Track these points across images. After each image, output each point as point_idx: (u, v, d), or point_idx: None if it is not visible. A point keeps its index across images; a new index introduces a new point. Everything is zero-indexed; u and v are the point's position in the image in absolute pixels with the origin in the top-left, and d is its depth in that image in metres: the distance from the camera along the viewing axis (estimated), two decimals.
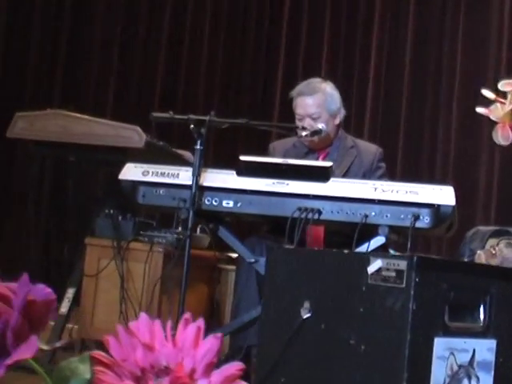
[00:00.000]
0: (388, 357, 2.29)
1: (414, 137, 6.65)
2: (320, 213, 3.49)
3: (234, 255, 4.85)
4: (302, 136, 3.95)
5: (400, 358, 2.26)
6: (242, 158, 3.62)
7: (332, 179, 3.53)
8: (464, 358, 2.41)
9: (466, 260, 4.13)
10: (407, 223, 3.43)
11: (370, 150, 4.17)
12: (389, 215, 3.45)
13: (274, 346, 2.49)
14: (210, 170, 3.62)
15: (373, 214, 3.46)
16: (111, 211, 4.01)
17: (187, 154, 4.48)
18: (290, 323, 2.43)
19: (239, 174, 3.61)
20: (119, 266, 3.93)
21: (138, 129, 3.85)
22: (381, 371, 2.30)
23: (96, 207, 4.08)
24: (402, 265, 2.27)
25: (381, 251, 3.52)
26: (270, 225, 4.20)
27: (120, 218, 4.02)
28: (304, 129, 3.96)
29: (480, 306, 2.50)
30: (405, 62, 6.71)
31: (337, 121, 4.13)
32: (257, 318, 3.73)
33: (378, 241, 3.58)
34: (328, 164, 3.54)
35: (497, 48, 6.52)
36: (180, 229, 4.13)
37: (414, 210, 3.42)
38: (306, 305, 2.43)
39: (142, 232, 4.06)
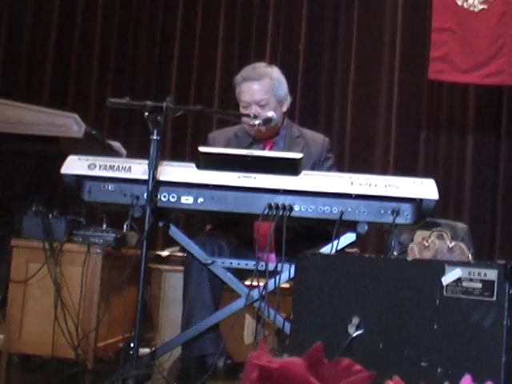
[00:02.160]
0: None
1: (311, 114, 6.61)
2: (292, 209, 3.20)
3: (164, 253, 4.50)
4: (254, 125, 3.63)
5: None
6: (202, 149, 3.27)
7: (304, 172, 3.24)
8: None
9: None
10: (387, 219, 3.19)
11: (317, 139, 3.91)
12: (367, 211, 3.20)
13: None
14: (166, 163, 3.26)
15: (349, 209, 3.21)
16: (39, 208, 3.56)
17: (116, 144, 4.08)
18: (332, 342, 2.12)
19: (199, 167, 3.26)
20: (52, 271, 3.49)
21: (77, 117, 3.43)
22: None
23: (22, 204, 3.61)
24: (491, 274, 1.99)
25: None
26: (213, 222, 3.88)
27: (50, 216, 3.57)
28: (255, 117, 3.64)
29: None
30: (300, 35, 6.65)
31: (284, 108, 3.84)
32: (213, 326, 3.43)
33: (348, 238, 3.34)
34: (298, 156, 3.24)
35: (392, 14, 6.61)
36: (105, 226, 3.76)
37: (394, 204, 3.19)
38: (355, 321, 2.13)
39: (74, 232, 3.64)
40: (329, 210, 3.20)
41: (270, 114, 3.71)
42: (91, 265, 3.56)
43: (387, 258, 2.36)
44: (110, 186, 3.24)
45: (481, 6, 5.93)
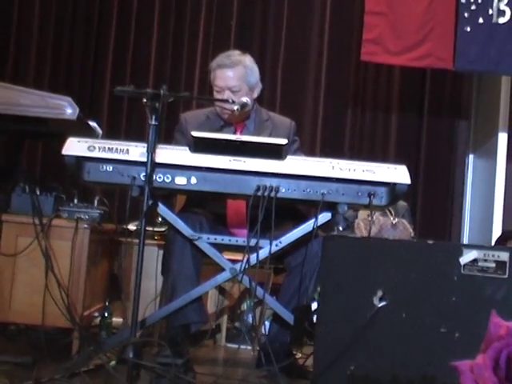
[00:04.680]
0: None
1: None
2: (278, 191, 3.49)
3: (133, 227, 4.70)
4: (233, 110, 3.88)
5: None
6: (194, 133, 3.51)
7: (289, 157, 3.53)
8: None
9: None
10: (364, 201, 3.52)
11: (284, 123, 4.19)
12: (346, 193, 3.52)
13: (338, 335, 2.49)
14: (161, 146, 3.48)
15: (330, 192, 3.51)
16: (27, 186, 3.74)
17: (93, 125, 4.26)
18: (359, 313, 2.44)
19: (192, 150, 3.50)
20: (42, 244, 3.68)
21: (70, 100, 3.61)
22: None
23: (10, 182, 3.77)
24: (504, 256, 2.36)
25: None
26: (187, 199, 4.11)
27: (38, 192, 3.75)
28: (233, 103, 3.90)
29: None
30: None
31: (255, 94, 4.10)
32: (198, 297, 3.69)
33: (324, 217, 3.65)
34: (283, 141, 3.52)
35: None
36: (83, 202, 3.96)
37: (371, 188, 3.52)
38: (380, 293, 2.45)
39: (60, 208, 3.83)
40: (312, 191, 3.51)
41: (245, 99, 3.96)
42: (79, 239, 3.75)
43: (410, 242, 2.70)
44: (109, 167, 3.44)
45: None
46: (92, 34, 6.79)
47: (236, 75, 4.00)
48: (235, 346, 4.53)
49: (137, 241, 4.48)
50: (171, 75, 6.86)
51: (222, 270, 3.67)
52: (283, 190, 3.49)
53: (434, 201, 6.89)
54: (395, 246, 2.62)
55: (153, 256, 3.99)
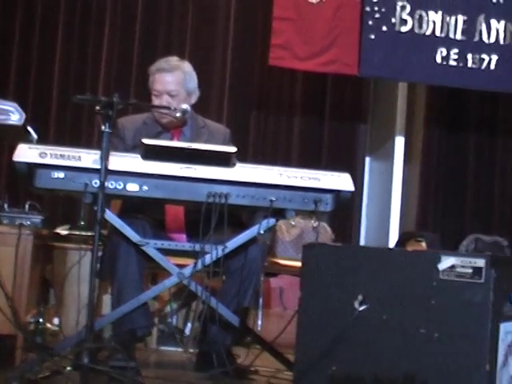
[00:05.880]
0: (468, 343, 2.57)
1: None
2: (228, 198, 3.57)
3: (64, 232, 4.68)
4: (176, 117, 3.94)
5: (482, 345, 2.56)
6: (145, 141, 3.55)
7: (238, 164, 3.62)
8: (510, 338, 2.75)
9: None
10: (310, 207, 3.65)
11: (219, 130, 4.27)
12: (293, 200, 3.64)
13: (319, 338, 2.61)
14: (113, 153, 3.50)
15: (278, 198, 3.62)
16: None
17: (29, 129, 4.22)
18: (340, 316, 2.56)
19: (144, 157, 3.54)
20: None
21: (17, 105, 3.57)
22: (460, 356, 2.58)
23: None
24: (480, 262, 2.55)
25: None
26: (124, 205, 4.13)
27: None
28: (175, 110, 3.94)
29: None
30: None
31: (192, 100, 4.16)
32: (145, 303, 3.72)
33: (269, 222, 3.75)
34: (232, 149, 3.60)
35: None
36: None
37: (316, 195, 3.65)
38: (360, 297, 2.59)
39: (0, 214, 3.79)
40: (260, 198, 3.61)
41: (185, 106, 4.01)
42: (22, 245, 3.72)
43: (389, 249, 2.84)
44: (60, 174, 3.44)
45: None
46: None
47: (174, 80, 4.05)
48: (166, 348, 4.58)
49: (69, 245, 4.50)
50: (76, 76, 6.83)
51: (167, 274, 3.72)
52: (233, 197, 3.57)
53: None
54: (375, 253, 2.76)
55: (84, 261, 3.98)
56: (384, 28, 6.52)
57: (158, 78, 4.05)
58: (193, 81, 4.14)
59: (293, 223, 5.26)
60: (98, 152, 3.38)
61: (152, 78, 4.08)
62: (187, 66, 4.14)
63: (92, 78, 6.82)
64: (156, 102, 4.06)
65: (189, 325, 4.88)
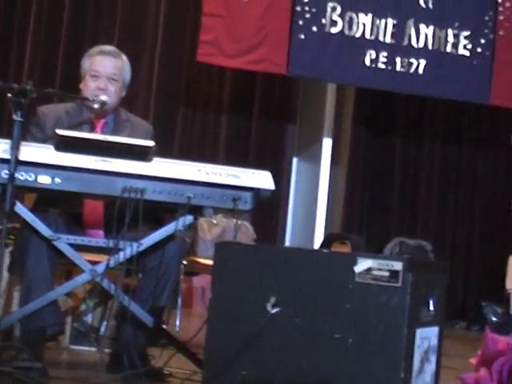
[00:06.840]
0: (383, 349, 2.48)
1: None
2: (143, 193, 3.46)
3: None
4: (94, 108, 3.82)
5: (398, 350, 2.47)
6: (59, 131, 3.42)
7: (155, 159, 3.51)
8: (426, 345, 2.68)
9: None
10: (229, 205, 3.55)
11: (142, 126, 4.16)
12: (211, 197, 3.54)
13: (229, 341, 2.51)
14: (25, 144, 3.36)
15: (196, 195, 3.52)
16: None
17: None
18: (252, 320, 2.47)
19: (58, 149, 3.41)
20: None
21: None
22: (375, 362, 2.49)
23: None
24: (397, 265, 2.46)
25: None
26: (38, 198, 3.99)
27: None
28: (93, 101, 3.82)
29: (430, 299, 2.76)
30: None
31: (123, 93, 4.05)
32: (55, 300, 3.59)
33: (187, 220, 3.65)
34: (150, 144, 3.50)
35: None
36: None
37: (235, 192, 3.56)
38: (273, 300, 2.49)
39: None
40: (177, 194, 3.50)
41: (105, 98, 3.89)
42: None
43: (305, 250, 2.75)
44: None
45: None
46: None
47: (117, 65, 3.96)
48: (79, 347, 4.44)
49: None
50: None
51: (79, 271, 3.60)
52: (149, 192, 3.47)
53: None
54: (291, 253, 2.68)
55: None
56: (314, 28, 6.48)
57: (100, 60, 3.94)
58: (129, 74, 4.05)
59: (215, 222, 5.17)
60: (9, 141, 3.24)
61: (91, 60, 3.95)
62: (126, 59, 4.05)
63: (15, 65, 6.64)
64: (93, 84, 3.92)
65: (104, 323, 4.75)
